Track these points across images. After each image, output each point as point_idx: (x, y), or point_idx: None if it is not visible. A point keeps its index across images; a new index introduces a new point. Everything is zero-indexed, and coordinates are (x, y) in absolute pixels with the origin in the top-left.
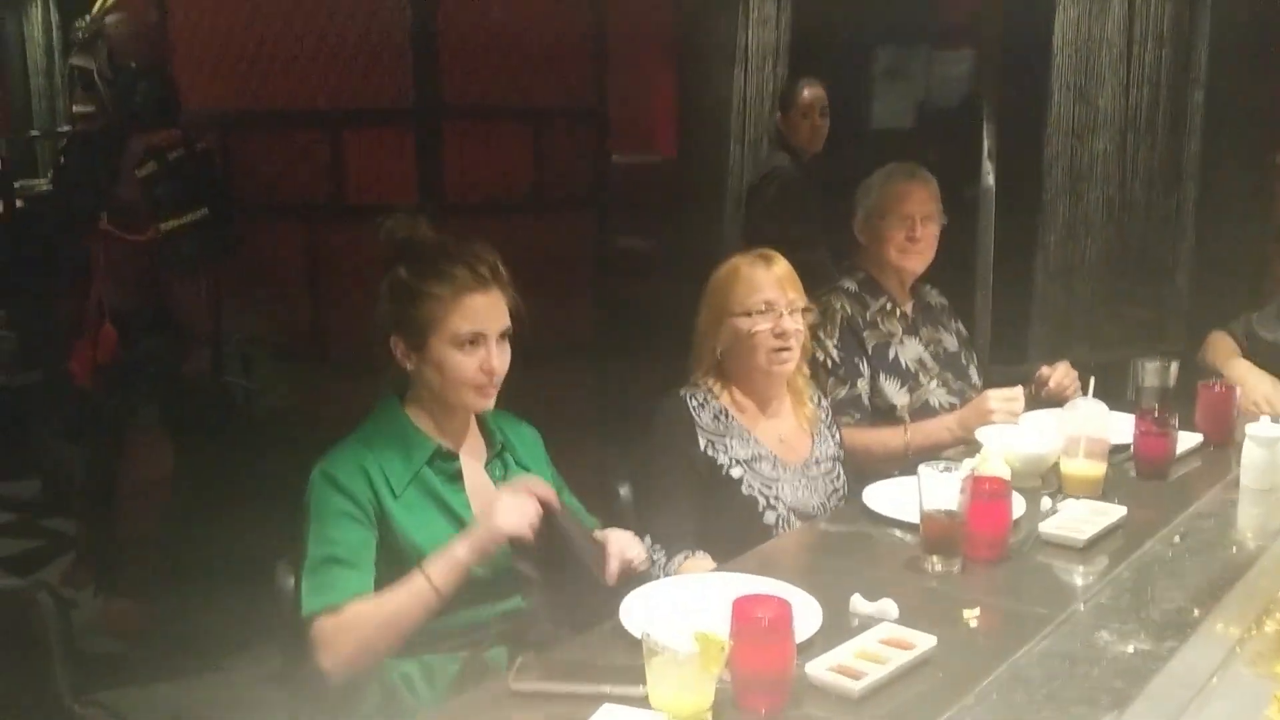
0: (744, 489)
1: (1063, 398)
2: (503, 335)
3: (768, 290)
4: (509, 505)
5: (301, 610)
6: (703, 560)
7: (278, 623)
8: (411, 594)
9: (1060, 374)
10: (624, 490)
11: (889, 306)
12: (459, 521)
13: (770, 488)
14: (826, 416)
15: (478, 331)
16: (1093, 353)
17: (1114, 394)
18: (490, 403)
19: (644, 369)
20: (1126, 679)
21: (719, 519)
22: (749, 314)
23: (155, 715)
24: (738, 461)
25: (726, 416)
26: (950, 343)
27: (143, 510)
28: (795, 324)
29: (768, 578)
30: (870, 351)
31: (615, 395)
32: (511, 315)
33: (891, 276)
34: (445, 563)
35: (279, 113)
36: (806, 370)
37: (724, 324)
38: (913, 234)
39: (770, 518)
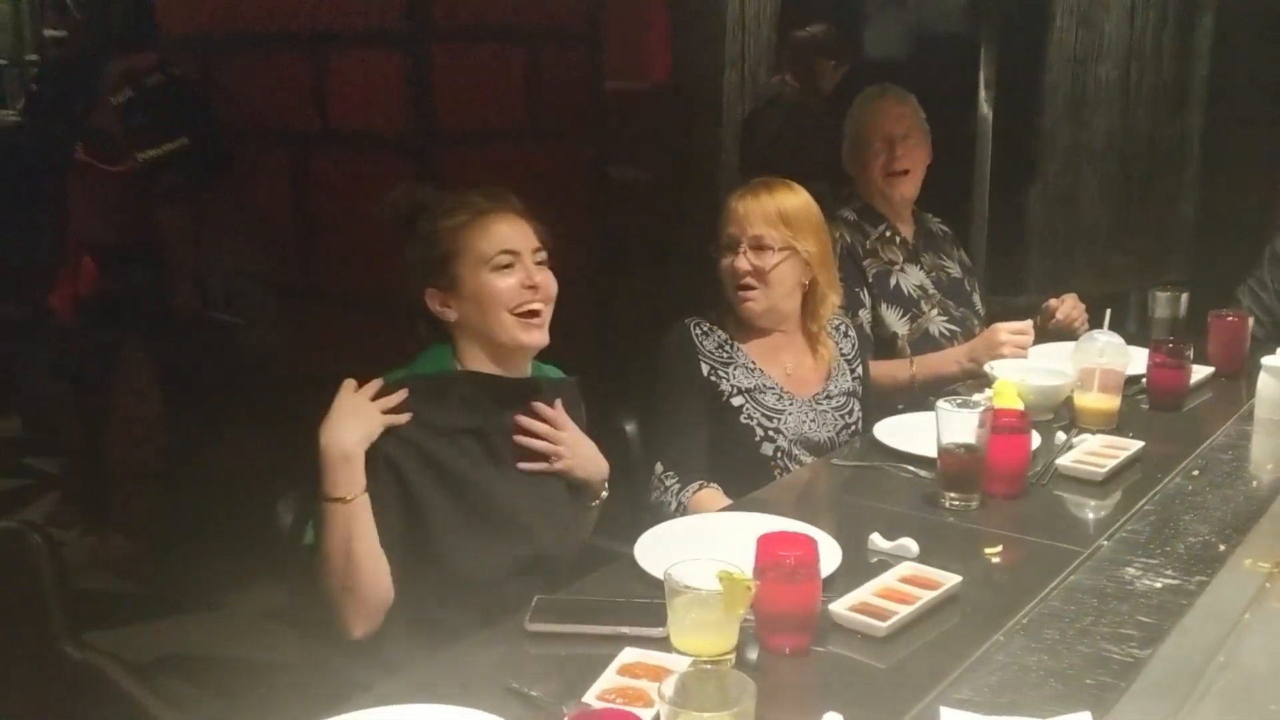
0: (742, 418)
1: (1071, 330)
2: (539, 260)
3: (732, 224)
4: (338, 416)
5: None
6: (715, 494)
7: (280, 559)
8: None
9: (1069, 306)
10: (630, 427)
11: (889, 234)
12: None
13: (771, 419)
14: (852, 349)
15: (508, 249)
16: (1094, 283)
17: (1115, 325)
18: (542, 335)
19: (644, 303)
20: (1158, 614)
21: (720, 447)
22: (721, 249)
23: (152, 654)
24: (739, 390)
25: (731, 346)
26: (954, 270)
27: (132, 446)
28: (757, 261)
29: (783, 516)
30: (871, 280)
31: (618, 330)
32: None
33: (885, 204)
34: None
35: (260, 35)
36: (825, 314)
37: (717, 259)
38: (893, 154)
39: (767, 449)
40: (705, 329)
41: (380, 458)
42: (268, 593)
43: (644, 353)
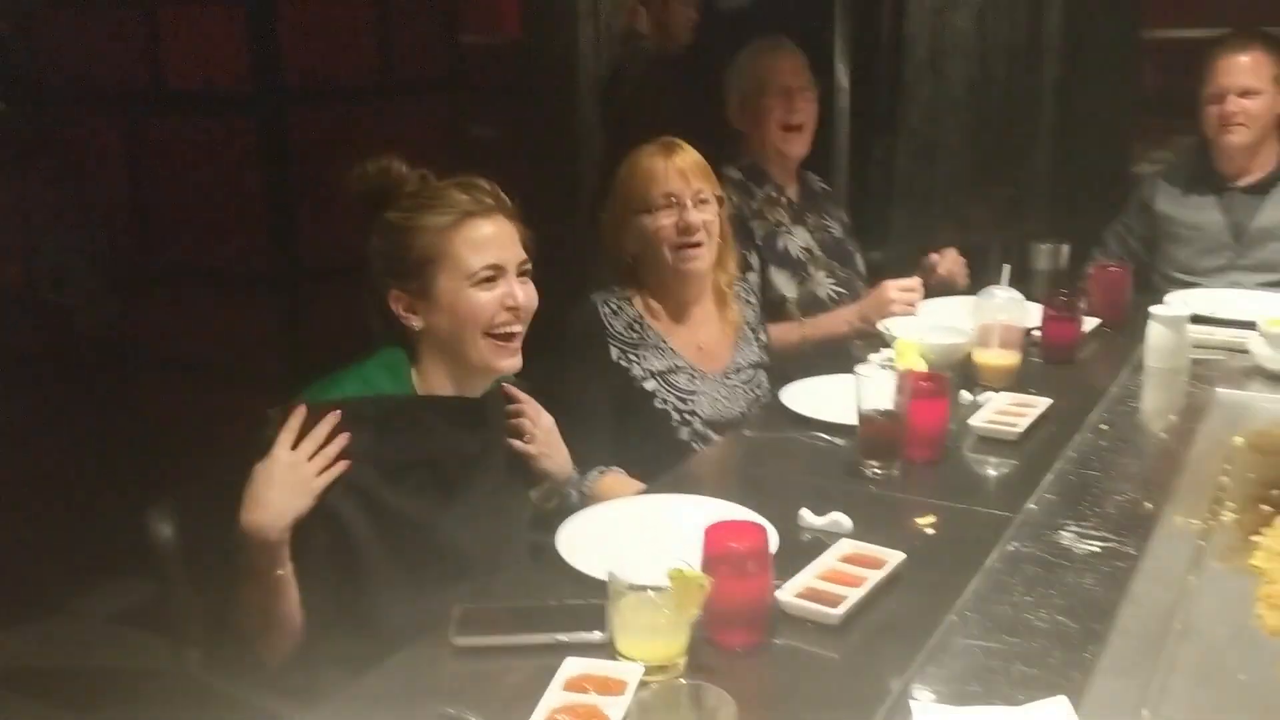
0: (656, 403)
1: (952, 285)
2: (523, 271)
3: (669, 181)
4: (265, 493)
5: None
6: (618, 479)
7: (145, 562)
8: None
9: (949, 260)
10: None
11: (774, 194)
12: None
13: (685, 402)
14: (755, 317)
15: (492, 263)
16: (955, 235)
17: (982, 277)
18: (516, 361)
19: None
20: (1104, 582)
21: (632, 434)
22: (650, 210)
23: None
24: (651, 374)
25: (641, 325)
26: (836, 229)
27: None
28: (703, 215)
29: (706, 496)
30: (760, 242)
31: None
32: (528, 252)
33: (776, 161)
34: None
35: None
36: (733, 269)
37: (630, 223)
38: (791, 106)
39: (684, 433)
40: (615, 307)
41: (316, 511)
42: (116, 596)
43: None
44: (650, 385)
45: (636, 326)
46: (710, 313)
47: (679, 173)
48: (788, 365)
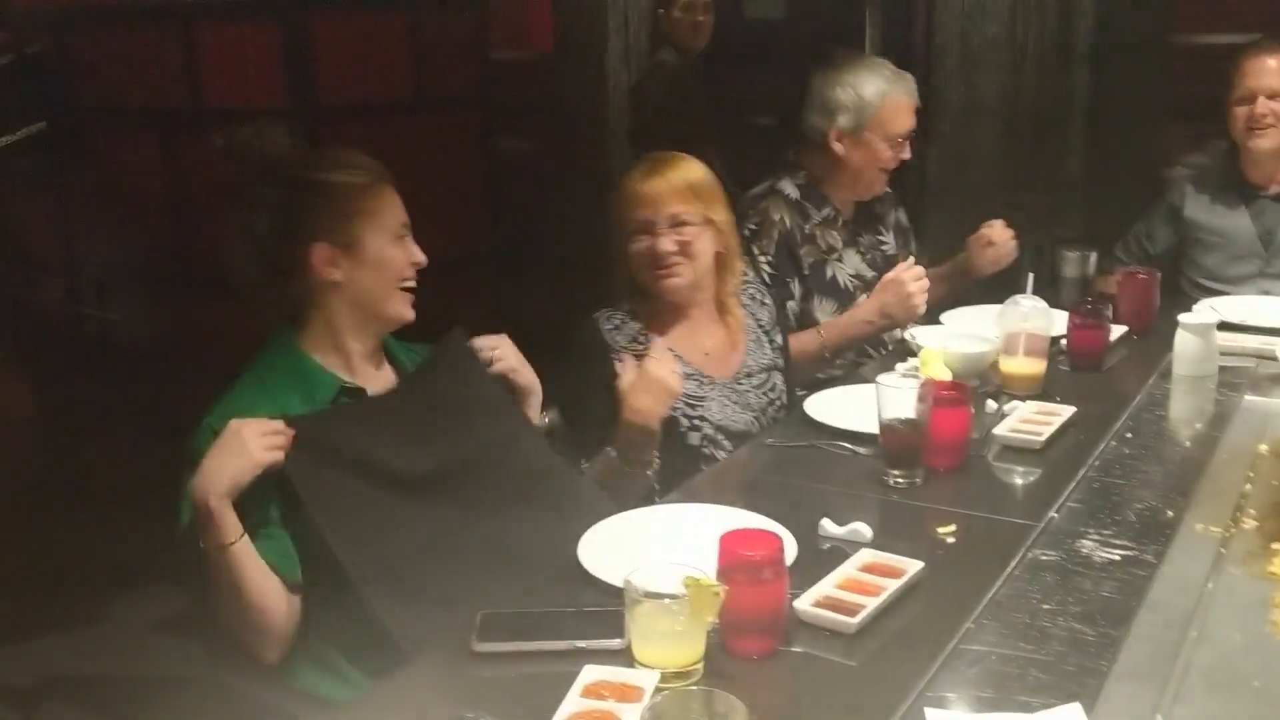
0: None
1: (1001, 255)
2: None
3: (643, 207)
4: (208, 458)
5: None
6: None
7: (181, 563)
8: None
9: (997, 231)
10: (549, 418)
11: (832, 215)
12: None
13: (694, 408)
14: (770, 319)
15: (406, 221)
16: None
17: (1013, 283)
18: (413, 314)
19: (541, 279)
20: (1122, 590)
21: None
22: (631, 235)
23: (30, 677)
24: None
25: (645, 339)
26: (888, 244)
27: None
28: (679, 238)
29: (728, 506)
30: (806, 270)
31: (515, 309)
32: None
33: (846, 187)
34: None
35: (123, 7)
36: (744, 271)
37: (623, 244)
38: (901, 155)
39: (694, 439)
40: (617, 323)
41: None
42: (155, 603)
43: (553, 338)
44: None
45: (641, 340)
46: (713, 319)
47: (653, 198)
48: (808, 371)
